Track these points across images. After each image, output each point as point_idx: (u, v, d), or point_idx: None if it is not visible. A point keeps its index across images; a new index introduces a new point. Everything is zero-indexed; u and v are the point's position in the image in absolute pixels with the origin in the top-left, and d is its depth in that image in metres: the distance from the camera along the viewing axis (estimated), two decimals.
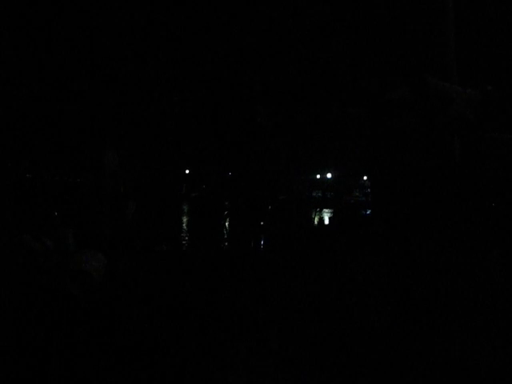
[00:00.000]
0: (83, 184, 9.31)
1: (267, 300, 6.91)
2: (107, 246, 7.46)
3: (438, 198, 7.53)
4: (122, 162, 9.56)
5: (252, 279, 7.41)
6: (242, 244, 8.76)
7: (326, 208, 20.96)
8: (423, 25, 8.38)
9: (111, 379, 5.03)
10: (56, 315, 5.78)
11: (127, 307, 6.22)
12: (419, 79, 6.91)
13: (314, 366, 5.55)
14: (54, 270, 6.17)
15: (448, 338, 5.84)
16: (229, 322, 6.22)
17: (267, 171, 9.59)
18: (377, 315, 6.39)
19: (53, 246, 6.44)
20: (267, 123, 8.89)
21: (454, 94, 6.73)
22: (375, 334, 6.01)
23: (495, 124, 6.88)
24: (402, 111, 7.46)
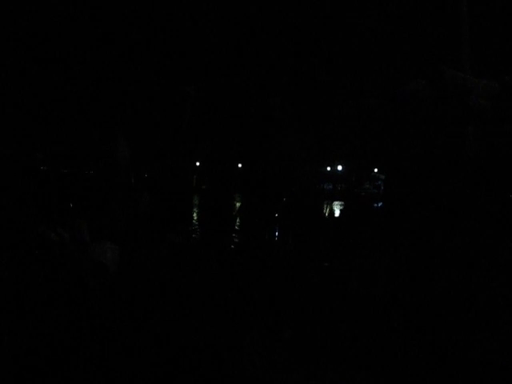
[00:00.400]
0: (96, 176, 9.33)
1: (281, 291, 6.92)
2: (121, 238, 7.47)
3: (452, 192, 7.49)
4: (134, 154, 9.56)
5: (265, 270, 7.41)
6: (255, 235, 8.76)
7: (337, 200, 20.90)
8: (438, 16, 8.32)
9: (127, 369, 5.06)
10: (72, 306, 5.81)
11: (142, 298, 6.24)
12: (435, 70, 6.87)
13: (325, 356, 5.57)
14: (70, 261, 6.20)
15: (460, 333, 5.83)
16: (243, 312, 6.25)
17: (280, 163, 9.57)
18: (388, 309, 6.38)
19: (69, 238, 6.46)
20: (283, 116, 8.88)
21: (471, 85, 6.69)
22: (387, 329, 6.01)
23: None
24: (418, 103, 7.42)
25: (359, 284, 7.17)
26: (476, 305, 6.17)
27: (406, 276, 7.01)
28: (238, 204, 12.04)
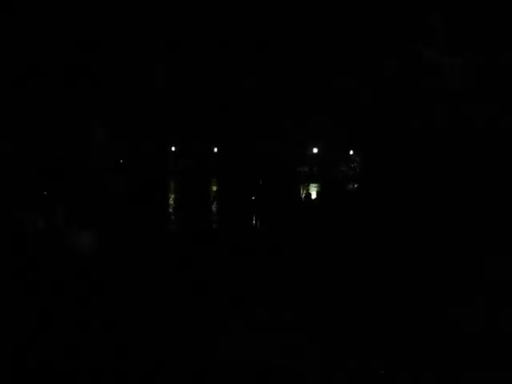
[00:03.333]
0: (71, 161, 9.23)
1: (258, 274, 6.93)
2: (97, 223, 7.41)
3: (425, 170, 7.56)
4: (110, 139, 9.48)
5: (243, 253, 7.43)
6: (232, 219, 8.76)
7: (313, 183, 20.97)
8: None
9: (103, 356, 5.03)
10: (48, 292, 5.75)
11: (118, 284, 6.21)
12: (409, 49, 6.90)
13: (304, 340, 5.59)
14: (45, 247, 6.14)
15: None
16: (219, 296, 6.24)
17: (256, 146, 9.56)
18: (370, 290, 6.42)
19: (43, 224, 6.40)
20: (258, 99, 8.86)
21: (443, 63, 6.74)
22: (371, 308, 6.05)
23: (486, 92, 6.90)
24: (392, 81, 7.45)
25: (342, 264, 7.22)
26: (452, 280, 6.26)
27: (382, 255, 7.09)
28: (214, 188, 12.02)
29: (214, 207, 10.72)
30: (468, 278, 6.23)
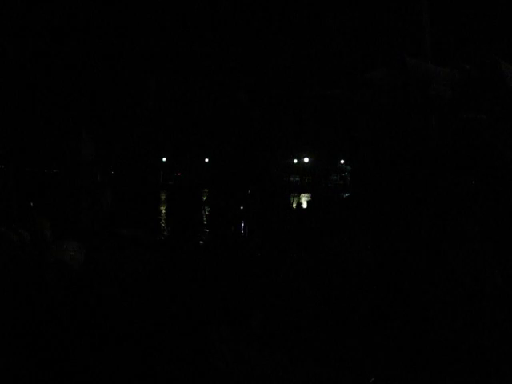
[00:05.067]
0: (59, 174, 9.15)
1: (249, 285, 6.88)
2: (85, 236, 7.33)
3: (417, 178, 7.54)
4: (99, 151, 9.41)
5: (234, 264, 7.36)
6: (222, 229, 8.69)
7: (304, 192, 20.98)
8: (400, 6, 8.35)
9: (93, 367, 4.96)
10: (34, 306, 5.67)
11: (107, 296, 6.13)
12: (397, 59, 6.89)
13: (297, 349, 5.54)
14: (31, 261, 6.05)
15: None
16: (212, 308, 6.18)
17: (246, 156, 9.52)
18: (358, 299, 6.38)
19: (29, 237, 6.31)
20: (251, 112, 8.83)
21: (432, 74, 6.73)
22: (357, 318, 6.01)
23: (474, 103, 6.89)
24: (381, 92, 7.44)
25: (330, 273, 7.17)
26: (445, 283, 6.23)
27: (376, 263, 7.05)
28: (205, 199, 11.95)
29: (204, 216, 10.66)
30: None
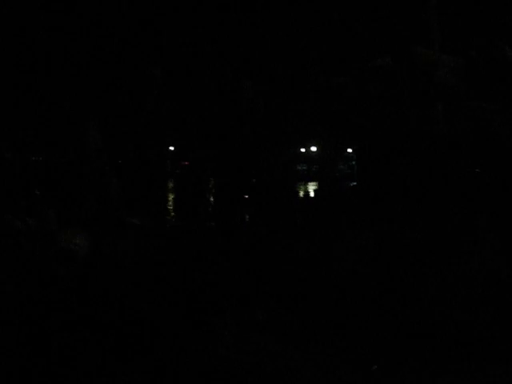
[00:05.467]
0: (66, 162, 9.18)
1: (253, 273, 6.90)
2: (91, 224, 7.37)
3: (422, 168, 7.52)
4: (106, 140, 9.44)
5: (239, 253, 7.38)
6: (228, 218, 8.73)
7: (311, 181, 20.93)
8: None
9: (98, 358, 5.00)
10: (40, 294, 5.72)
11: (113, 284, 6.17)
12: (403, 48, 6.86)
13: (300, 337, 5.56)
14: (38, 249, 6.10)
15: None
16: (216, 296, 6.20)
17: (252, 145, 9.52)
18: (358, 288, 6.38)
19: (35, 226, 6.35)
20: (255, 99, 8.83)
21: (437, 61, 6.69)
22: (358, 306, 6.02)
23: (479, 90, 6.85)
24: (387, 79, 7.41)
25: (334, 262, 7.17)
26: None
27: (380, 254, 7.05)
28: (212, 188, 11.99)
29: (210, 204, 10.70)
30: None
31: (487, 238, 6.35)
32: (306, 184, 20.66)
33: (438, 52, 7.11)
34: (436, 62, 6.69)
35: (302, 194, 15.43)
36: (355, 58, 8.45)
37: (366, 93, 7.90)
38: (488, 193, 6.82)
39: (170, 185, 17.68)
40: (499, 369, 4.71)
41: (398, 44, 7.08)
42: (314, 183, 19.13)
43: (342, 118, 8.61)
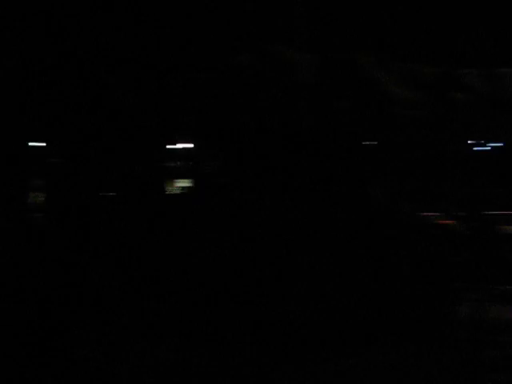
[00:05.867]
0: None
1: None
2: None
3: (285, 164, 7.61)
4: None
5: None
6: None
7: (184, 178, 20.90)
8: None
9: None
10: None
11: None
12: (259, 47, 6.89)
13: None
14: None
15: None
16: None
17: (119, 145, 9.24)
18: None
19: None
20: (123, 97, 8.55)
21: (295, 61, 6.78)
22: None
23: (336, 88, 7.03)
24: (249, 77, 7.41)
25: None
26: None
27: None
28: None
29: None
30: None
31: None
32: (176, 181, 20.53)
33: (296, 51, 7.21)
34: (294, 61, 6.77)
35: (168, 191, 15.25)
36: (221, 54, 8.39)
37: (231, 89, 7.85)
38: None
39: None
40: None
41: (256, 41, 7.10)
42: (187, 180, 19.05)
43: (210, 114, 8.53)
